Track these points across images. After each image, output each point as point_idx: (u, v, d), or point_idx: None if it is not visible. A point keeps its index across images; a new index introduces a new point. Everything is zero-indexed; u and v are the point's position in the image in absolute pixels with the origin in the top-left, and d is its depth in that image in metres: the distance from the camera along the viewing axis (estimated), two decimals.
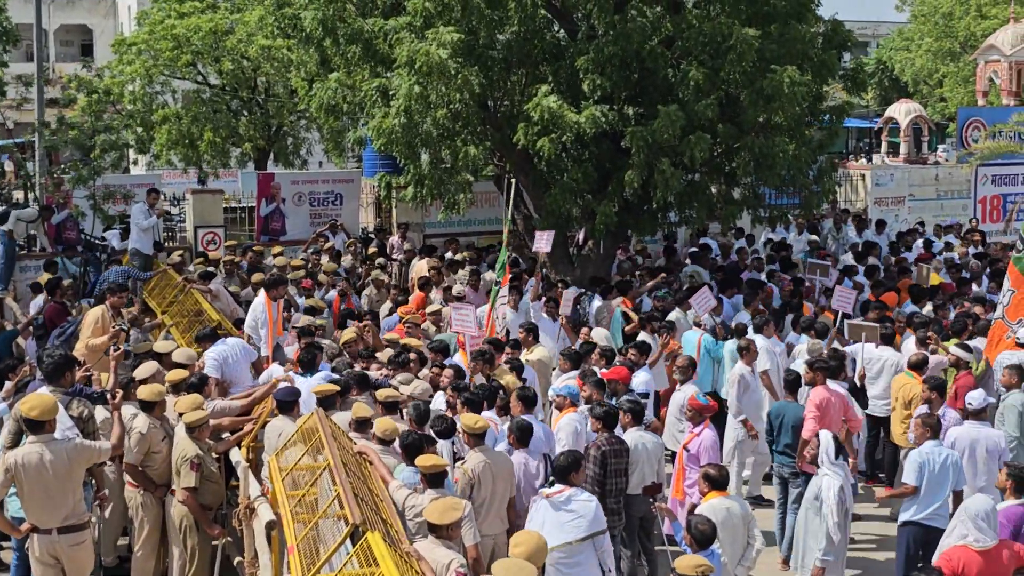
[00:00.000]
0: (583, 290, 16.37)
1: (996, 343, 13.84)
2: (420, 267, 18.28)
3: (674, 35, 16.00)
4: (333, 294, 16.48)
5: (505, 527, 9.51)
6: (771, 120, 15.98)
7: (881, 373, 13.63)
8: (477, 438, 9.65)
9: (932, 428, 10.33)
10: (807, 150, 16.68)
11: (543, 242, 15.81)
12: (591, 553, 8.88)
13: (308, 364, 11.79)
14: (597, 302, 16.19)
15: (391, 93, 16.13)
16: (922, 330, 13.86)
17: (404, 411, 10.55)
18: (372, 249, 19.96)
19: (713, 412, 11.18)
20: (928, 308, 15.99)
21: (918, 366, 12.81)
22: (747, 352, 12.94)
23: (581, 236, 18.81)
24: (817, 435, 10.32)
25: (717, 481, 9.21)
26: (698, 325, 15.09)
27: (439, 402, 11.32)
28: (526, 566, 6.89)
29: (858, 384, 13.53)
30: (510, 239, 18.82)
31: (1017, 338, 13.39)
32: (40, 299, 16.41)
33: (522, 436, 9.95)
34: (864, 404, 13.21)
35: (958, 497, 10.17)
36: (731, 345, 14.00)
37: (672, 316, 15.30)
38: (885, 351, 13.79)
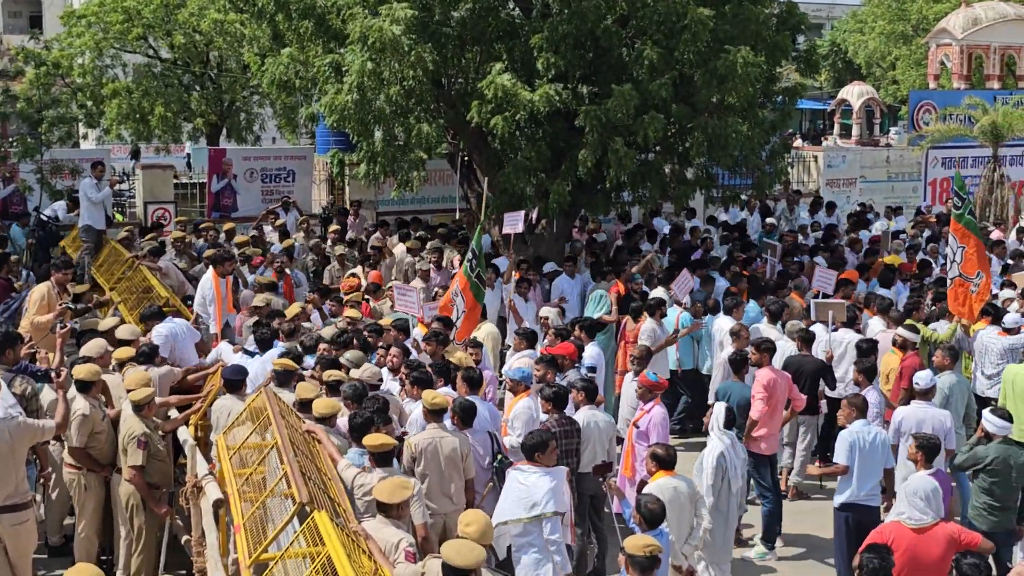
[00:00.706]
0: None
1: (962, 301, 14.14)
2: (400, 249, 18.15)
3: (629, 14, 15.98)
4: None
5: (457, 507, 9.44)
6: (724, 100, 15.96)
7: (844, 355, 13.71)
8: (435, 415, 9.64)
9: (858, 408, 10.43)
10: (760, 131, 16.74)
11: (514, 223, 15.73)
12: (540, 534, 8.88)
13: (264, 344, 11.72)
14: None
15: (344, 69, 15.98)
16: (894, 311, 14.11)
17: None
18: (334, 227, 19.69)
19: (663, 390, 11.22)
20: (894, 289, 16.26)
21: (904, 346, 13.02)
22: (738, 338, 12.94)
23: (534, 215, 18.77)
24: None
25: (665, 461, 9.25)
26: (677, 303, 15.23)
27: (392, 385, 11.31)
28: (475, 547, 6.86)
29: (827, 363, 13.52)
30: (465, 219, 18.84)
31: (993, 292, 13.68)
32: None
33: (465, 416, 9.88)
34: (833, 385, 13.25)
35: (889, 475, 10.36)
36: (723, 324, 14.04)
37: (657, 293, 15.33)
38: (848, 333, 13.91)
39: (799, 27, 17.83)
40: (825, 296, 15.16)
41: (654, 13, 15.50)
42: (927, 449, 9.32)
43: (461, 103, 16.66)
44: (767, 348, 12.09)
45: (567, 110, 15.83)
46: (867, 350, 12.79)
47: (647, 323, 14.15)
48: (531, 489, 8.91)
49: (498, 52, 16.50)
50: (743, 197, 19.99)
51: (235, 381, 10.41)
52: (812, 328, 13.80)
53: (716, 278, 16.48)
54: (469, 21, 16.47)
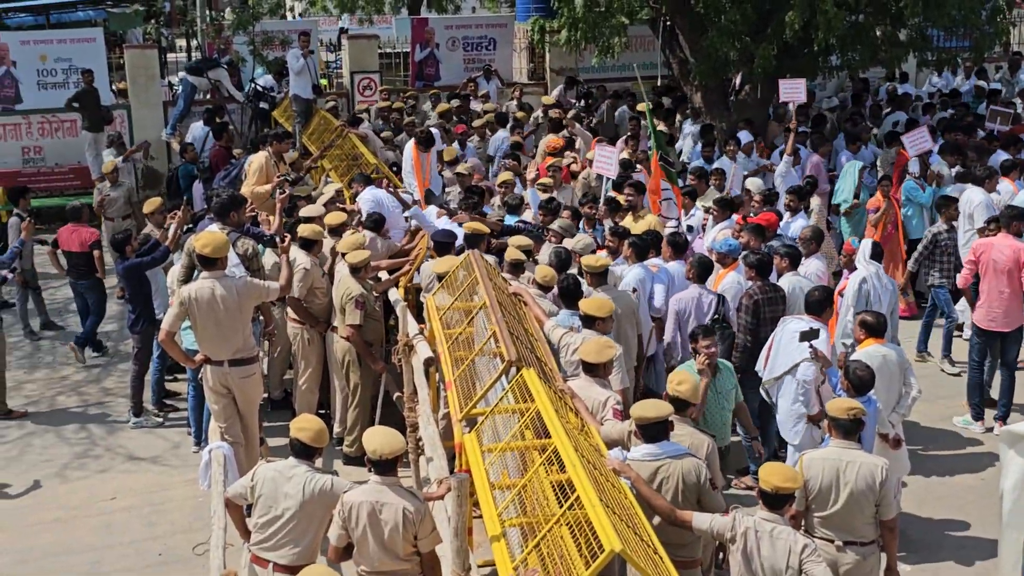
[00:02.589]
0: None
1: None
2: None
3: None
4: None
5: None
6: None
7: None
8: (598, 277, 9.74)
9: None
10: None
11: (794, 91, 15.34)
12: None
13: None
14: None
15: None
16: None
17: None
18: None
19: None
20: None
21: None
22: (946, 209, 12.44)
23: (738, 80, 18.35)
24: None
25: (874, 328, 9.03)
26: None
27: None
28: (663, 407, 6.98)
29: None
30: (668, 85, 18.51)
31: None
32: (198, 125, 17.70)
33: (702, 272, 10.07)
34: None
35: None
36: (972, 196, 13.37)
37: None
38: None
39: None
40: None
41: None
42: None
43: None
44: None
45: None
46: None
47: None
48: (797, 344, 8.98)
49: None
50: (960, 60, 19.02)
51: (444, 244, 10.65)
52: None
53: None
54: None
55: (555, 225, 11.52)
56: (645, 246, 10.57)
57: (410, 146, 13.65)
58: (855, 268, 10.77)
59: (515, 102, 19.61)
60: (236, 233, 9.81)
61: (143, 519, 9.78)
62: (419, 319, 10.02)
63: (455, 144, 16.00)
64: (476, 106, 19.03)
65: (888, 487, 7.04)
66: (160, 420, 11.73)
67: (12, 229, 13.93)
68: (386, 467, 6.54)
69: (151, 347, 11.60)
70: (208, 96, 19.87)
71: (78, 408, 12.22)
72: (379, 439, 6.57)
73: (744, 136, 16.24)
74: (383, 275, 11.15)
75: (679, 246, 10.92)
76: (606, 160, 13.46)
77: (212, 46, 20.41)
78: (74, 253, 13.10)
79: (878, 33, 16.73)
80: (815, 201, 14.72)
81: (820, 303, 9.32)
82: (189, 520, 9.70)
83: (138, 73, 20.11)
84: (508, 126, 17.25)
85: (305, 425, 6.90)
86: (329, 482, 6.75)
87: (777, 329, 9.45)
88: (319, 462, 7.03)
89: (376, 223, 11.64)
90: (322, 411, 11.16)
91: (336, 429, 10.76)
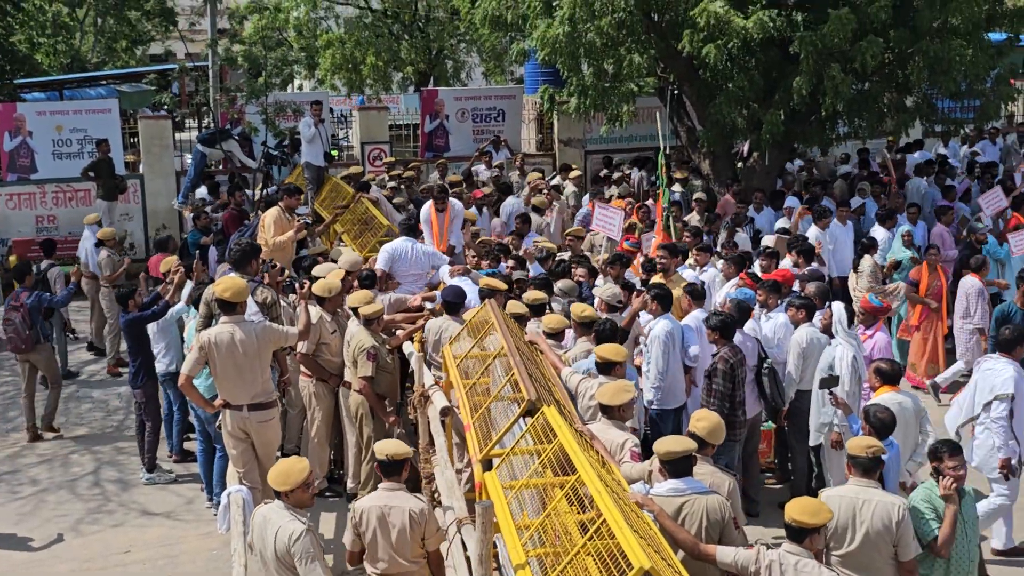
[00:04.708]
0: None
1: None
2: None
3: None
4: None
5: None
6: (947, 22, 15.38)
7: None
8: (584, 327, 9.84)
9: None
10: (986, 55, 16.01)
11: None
12: None
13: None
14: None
15: (554, 4, 16.10)
16: None
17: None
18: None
19: (886, 314, 10.99)
20: None
21: None
22: None
23: (745, 148, 18.55)
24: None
25: (889, 375, 9.06)
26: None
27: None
28: (686, 442, 6.98)
29: None
30: (675, 156, 18.71)
31: None
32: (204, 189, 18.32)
33: (741, 316, 10.28)
34: None
35: None
36: None
37: None
38: None
39: None
40: None
41: None
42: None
43: (672, 34, 16.57)
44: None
45: (781, 37, 15.51)
46: None
47: None
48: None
49: None
50: (965, 129, 19.24)
51: (453, 303, 10.69)
52: None
53: None
54: None
55: (558, 286, 11.62)
56: (669, 296, 10.60)
57: (428, 206, 13.75)
58: (872, 323, 10.84)
59: (518, 171, 19.84)
60: (255, 282, 9.89)
61: (158, 571, 9.73)
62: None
63: (472, 208, 16.21)
64: (484, 174, 19.30)
65: (905, 527, 6.95)
66: (173, 476, 11.71)
67: (58, 278, 14.82)
68: (393, 470, 7.15)
69: (156, 400, 11.72)
70: (220, 166, 20.10)
71: (92, 465, 12.19)
72: (387, 444, 7.33)
73: (791, 201, 16.64)
74: (398, 331, 11.18)
75: (698, 295, 10.96)
76: (608, 220, 13.64)
77: (225, 116, 20.68)
78: (159, 280, 13.19)
79: (885, 100, 16.95)
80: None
81: (1011, 342, 9.60)
82: (204, 572, 9.63)
83: (152, 143, 20.39)
84: (519, 193, 17.52)
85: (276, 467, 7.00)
86: (296, 533, 6.66)
87: (974, 372, 9.80)
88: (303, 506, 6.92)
89: (368, 279, 11.62)
90: (338, 473, 11.17)
91: (350, 484, 10.72)
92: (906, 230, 15.10)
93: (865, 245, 14.45)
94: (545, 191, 17.10)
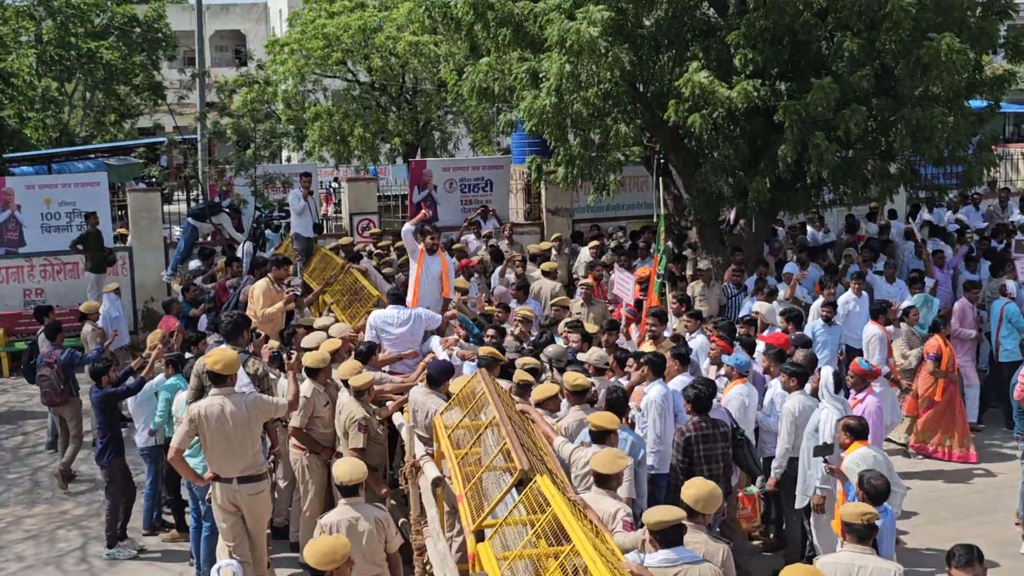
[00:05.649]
0: None
1: None
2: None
3: (827, 6, 15.72)
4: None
5: None
6: (929, 91, 15.59)
7: None
8: (576, 395, 9.83)
9: None
10: (967, 122, 16.21)
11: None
12: None
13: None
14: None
15: (541, 75, 16.28)
16: None
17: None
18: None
19: (876, 377, 11.02)
20: None
21: None
22: None
23: (732, 215, 18.67)
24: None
25: (858, 431, 9.24)
26: (1003, 293, 15.37)
27: None
28: (676, 511, 6.95)
29: None
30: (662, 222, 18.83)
31: None
32: (195, 262, 18.65)
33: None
34: None
35: None
36: None
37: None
38: None
39: (1006, 12, 17.18)
40: None
41: (854, 3, 15.13)
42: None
43: (657, 104, 16.75)
44: None
45: (765, 106, 15.70)
46: None
47: None
48: None
49: (694, 52, 16.51)
50: (950, 195, 19.41)
51: (437, 379, 10.46)
52: None
53: None
54: (664, 22, 16.55)
55: (547, 352, 11.63)
56: (662, 363, 10.61)
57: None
58: (862, 388, 10.87)
59: (506, 241, 19.93)
60: (246, 354, 9.87)
61: None
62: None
63: (461, 276, 16.26)
64: (474, 244, 19.39)
65: None
66: (135, 551, 11.56)
67: (89, 336, 15.32)
68: (351, 491, 8.12)
69: (120, 479, 11.61)
70: (210, 239, 20.17)
71: (80, 540, 12.06)
72: (344, 468, 8.22)
73: (790, 268, 16.82)
74: (388, 403, 11.15)
75: (684, 358, 10.99)
76: (624, 284, 13.81)
77: (214, 188, 20.77)
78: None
79: (869, 167, 17.12)
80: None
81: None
82: None
83: (140, 215, 20.47)
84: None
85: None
86: None
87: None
88: None
89: (363, 354, 11.59)
90: None
91: None
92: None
93: (875, 309, 14.49)
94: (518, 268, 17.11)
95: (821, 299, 14.95)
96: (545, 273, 16.63)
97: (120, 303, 17.29)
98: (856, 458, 8.92)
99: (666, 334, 12.71)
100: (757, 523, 11.27)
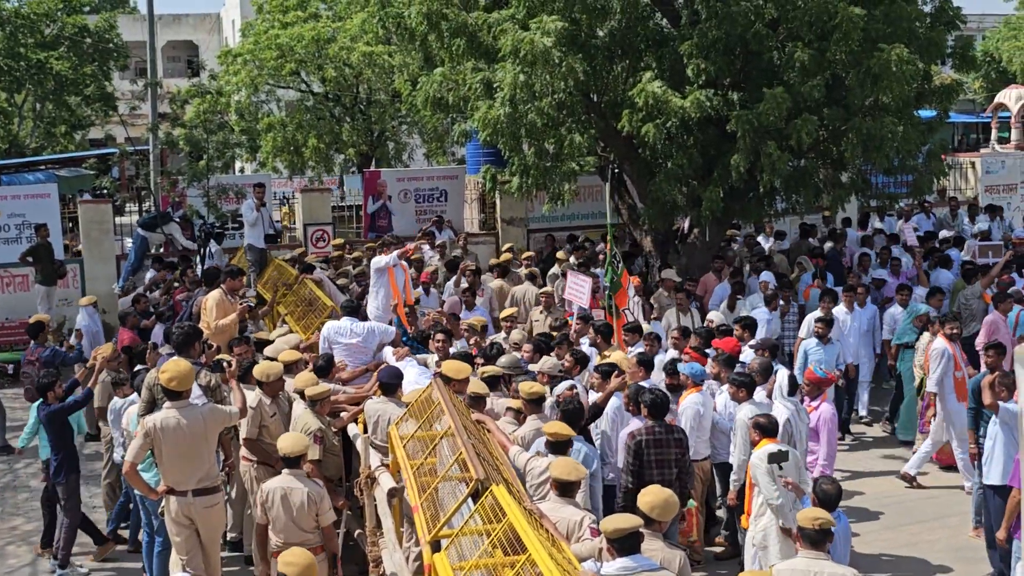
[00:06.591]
0: None
1: None
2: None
3: (779, 17, 15.86)
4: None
5: None
6: (879, 100, 15.75)
7: None
8: (533, 404, 9.87)
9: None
10: (917, 131, 16.39)
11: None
12: None
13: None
14: None
15: (495, 86, 16.29)
16: None
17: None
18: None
19: (831, 384, 11.11)
20: None
21: None
22: None
23: (686, 225, 18.76)
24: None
25: (767, 428, 9.47)
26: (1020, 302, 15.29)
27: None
28: (633, 519, 6.95)
29: None
30: (616, 232, 18.89)
31: None
32: (151, 273, 18.64)
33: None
34: None
35: None
36: None
37: None
38: None
39: (954, 23, 17.42)
40: None
41: (805, 14, 15.33)
42: None
43: (611, 114, 16.81)
44: None
45: (718, 116, 15.77)
46: None
47: None
48: None
49: (647, 62, 16.59)
50: (901, 203, 19.61)
51: (390, 385, 10.41)
52: None
53: None
54: (618, 32, 16.64)
55: (500, 362, 11.62)
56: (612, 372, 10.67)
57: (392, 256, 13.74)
58: (817, 395, 10.95)
59: (461, 251, 19.93)
60: (198, 365, 9.79)
61: None
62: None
63: (419, 288, 16.24)
64: (429, 254, 19.35)
65: None
66: (85, 572, 11.39)
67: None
68: (293, 462, 8.79)
69: (78, 496, 11.40)
70: (162, 249, 20.00)
71: (29, 556, 11.90)
72: (288, 440, 8.93)
73: (766, 276, 16.88)
74: (343, 414, 11.07)
75: (649, 364, 11.05)
76: (578, 288, 13.81)
77: (167, 199, 20.61)
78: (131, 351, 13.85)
79: (821, 176, 17.27)
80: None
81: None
82: None
83: (91, 227, 20.25)
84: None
85: (292, 560, 6.80)
86: None
87: None
88: None
89: (322, 368, 11.46)
90: None
91: None
92: (924, 312, 15.08)
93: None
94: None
95: (818, 312, 15.01)
96: (530, 277, 16.85)
97: (98, 316, 17.16)
98: (762, 453, 9.19)
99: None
100: (694, 538, 11.04)
